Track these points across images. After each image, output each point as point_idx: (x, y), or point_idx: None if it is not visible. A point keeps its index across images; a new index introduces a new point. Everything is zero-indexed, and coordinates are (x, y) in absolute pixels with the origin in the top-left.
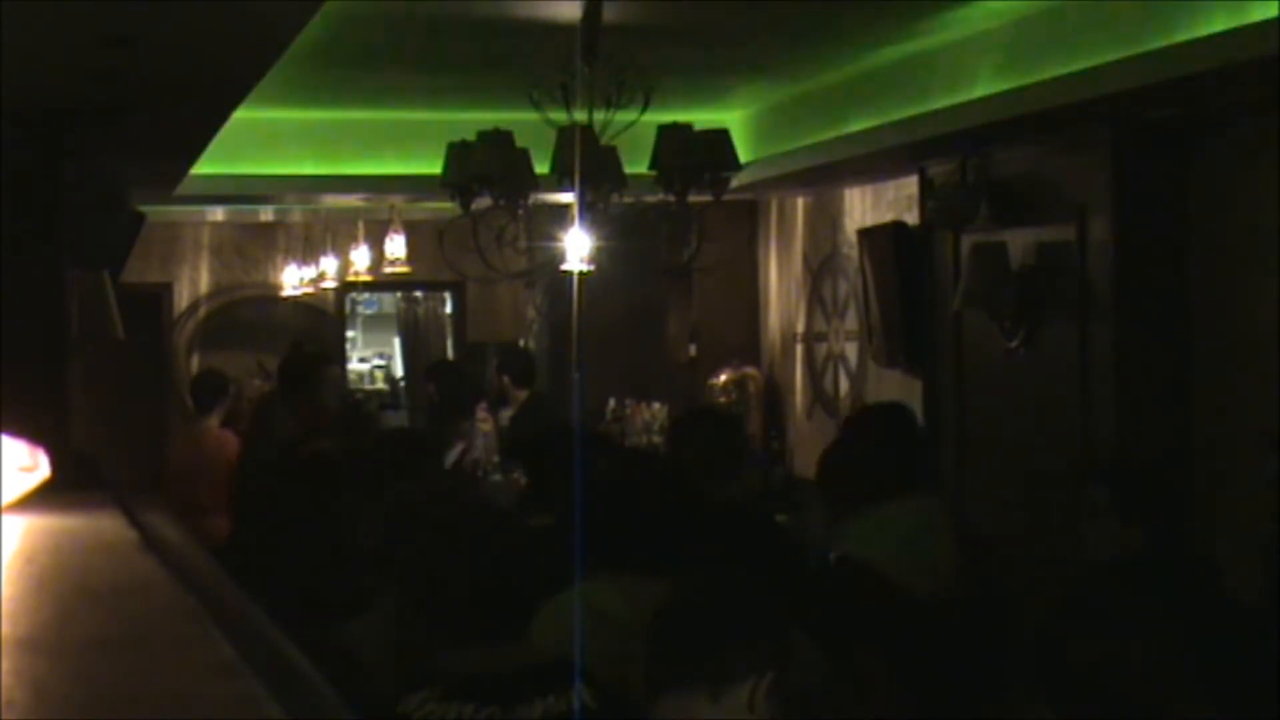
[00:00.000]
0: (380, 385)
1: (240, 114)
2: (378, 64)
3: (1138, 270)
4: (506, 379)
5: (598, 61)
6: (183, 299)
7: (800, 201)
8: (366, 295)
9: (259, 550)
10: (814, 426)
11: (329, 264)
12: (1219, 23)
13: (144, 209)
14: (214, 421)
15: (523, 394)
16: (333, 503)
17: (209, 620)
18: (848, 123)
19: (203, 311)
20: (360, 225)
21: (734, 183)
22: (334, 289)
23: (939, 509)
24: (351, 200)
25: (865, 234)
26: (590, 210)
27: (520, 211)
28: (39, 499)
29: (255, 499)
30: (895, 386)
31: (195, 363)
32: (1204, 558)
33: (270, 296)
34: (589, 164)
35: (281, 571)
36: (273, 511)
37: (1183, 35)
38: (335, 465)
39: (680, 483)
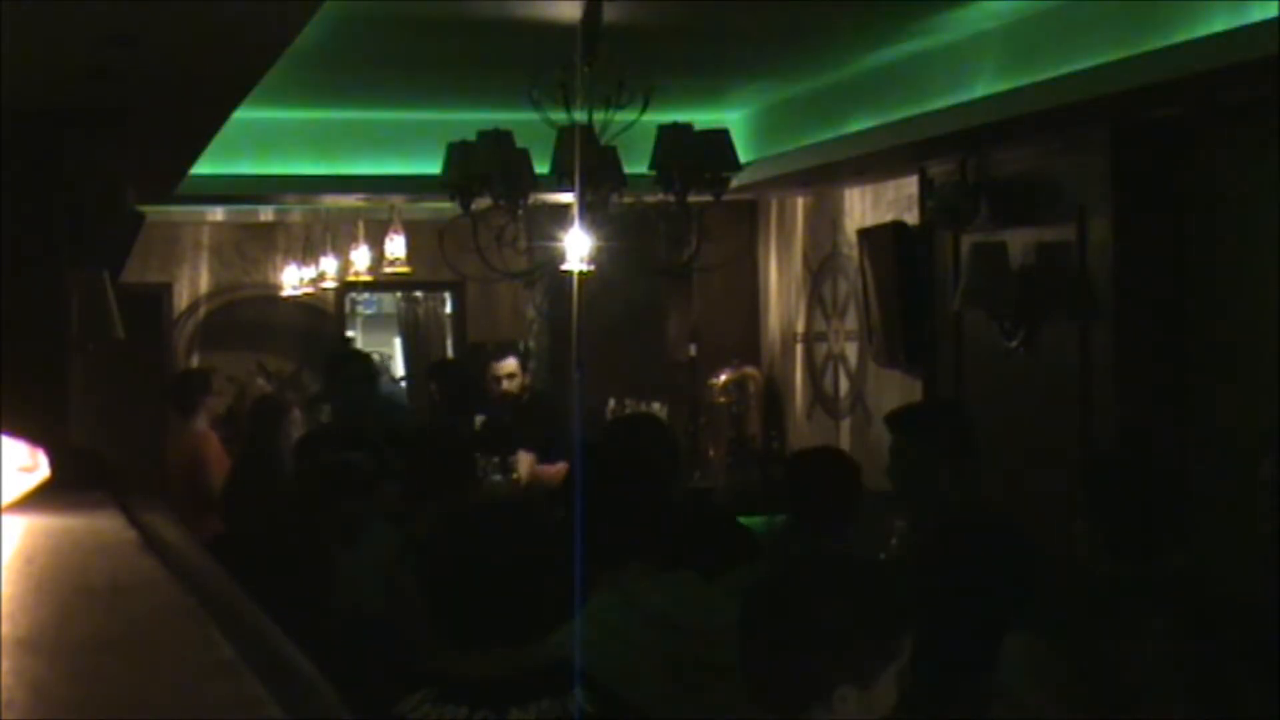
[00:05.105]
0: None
1: (240, 114)
2: (378, 64)
3: (1137, 270)
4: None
5: (598, 61)
6: (183, 299)
7: (800, 201)
8: (366, 295)
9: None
10: (814, 426)
11: (329, 264)
12: (1219, 23)
13: (144, 209)
14: (199, 423)
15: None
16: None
17: (209, 620)
18: (848, 123)
19: (203, 311)
20: (360, 225)
21: (734, 183)
22: (334, 289)
23: None
24: (351, 200)
25: (865, 234)
26: (590, 210)
27: (520, 211)
28: (39, 499)
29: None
30: (895, 386)
31: (195, 363)
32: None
33: (270, 296)
34: (589, 164)
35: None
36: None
37: (1183, 35)
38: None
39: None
